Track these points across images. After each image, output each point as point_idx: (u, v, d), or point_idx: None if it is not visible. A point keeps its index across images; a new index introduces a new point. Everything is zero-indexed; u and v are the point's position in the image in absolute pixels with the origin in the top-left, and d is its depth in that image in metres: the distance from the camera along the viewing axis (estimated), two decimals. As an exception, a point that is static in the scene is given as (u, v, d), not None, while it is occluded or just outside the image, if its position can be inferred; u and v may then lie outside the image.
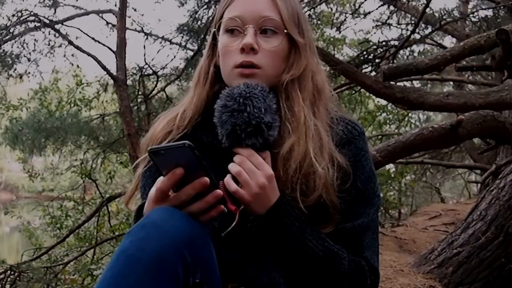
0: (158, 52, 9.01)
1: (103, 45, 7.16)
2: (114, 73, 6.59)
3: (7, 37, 6.70)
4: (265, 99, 1.00)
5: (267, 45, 1.05)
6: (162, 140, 1.09)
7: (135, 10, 8.56)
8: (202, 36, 6.53)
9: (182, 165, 0.91)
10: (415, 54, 7.99)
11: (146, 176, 1.13)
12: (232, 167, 0.98)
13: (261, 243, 1.01)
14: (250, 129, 0.98)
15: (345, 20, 8.20)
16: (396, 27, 7.81)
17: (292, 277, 1.03)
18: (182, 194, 0.93)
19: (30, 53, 7.10)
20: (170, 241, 0.85)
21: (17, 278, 5.92)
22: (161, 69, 7.42)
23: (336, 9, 8.48)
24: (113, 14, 7.27)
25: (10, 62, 7.02)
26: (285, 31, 1.06)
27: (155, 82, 7.36)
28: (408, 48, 7.49)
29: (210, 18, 6.49)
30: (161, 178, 0.93)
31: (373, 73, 5.86)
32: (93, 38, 7.28)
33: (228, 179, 0.98)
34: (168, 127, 1.10)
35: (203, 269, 0.89)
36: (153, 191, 0.95)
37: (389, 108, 7.98)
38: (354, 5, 8.21)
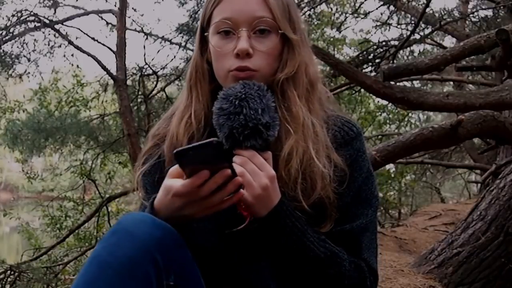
0: (158, 52, 9.02)
1: (103, 45, 7.17)
2: (114, 73, 6.59)
3: (7, 37, 6.70)
4: (262, 98, 0.97)
5: (261, 46, 1.02)
6: (187, 143, 1.06)
7: (135, 10, 8.59)
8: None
9: (207, 161, 0.90)
10: (415, 54, 7.98)
11: (147, 176, 1.12)
12: (235, 168, 0.96)
13: (262, 245, 1.00)
14: (247, 132, 0.96)
15: (345, 20, 8.20)
16: (396, 27, 7.81)
17: (291, 281, 1.02)
18: (205, 190, 0.91)
19: (30, 53, 7.10)
20: (140, 245, 0.86)
21: (17, 278, 5.92)
22: (161, 69, 7.42)
23: (336, 9, 8.48)
24: (113, 14, 7.27)
25: (10, 62, 7.02)
26: (280, 31, 1.03)
27: (155, 82, 7.36)
28: (408, 48, 7.49)
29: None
30: (184, 181, 0.92)
31: (373, 73, 5.86)
32: (93, 38, 7.28)
33: None
34: (189, 129, 1.07)
35: (178, 271, 0.90)
36: (172, 184, 0.93)
37: (389, 108, 7.98)
38: (354, 5, 8.21)
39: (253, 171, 0.95)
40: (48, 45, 7.18)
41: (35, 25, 6.81)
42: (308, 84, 1.07)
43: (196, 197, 0.92)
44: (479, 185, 7.38)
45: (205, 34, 1.08)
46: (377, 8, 7.36)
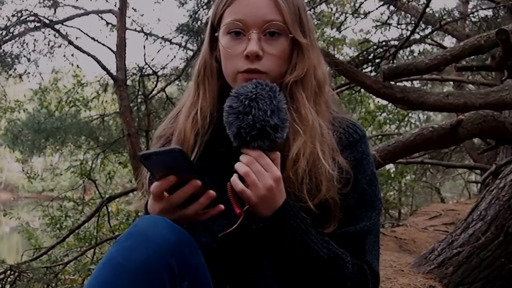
0: (158, 52, 9.04)
1: (103, 45, 7.16)
2: (114, 73, 6.58)
3: (7, 37, 6.69)
4: (273, 100, 0.97)
5: (271, 49, 1.03)
6: (194, 142, 1.07)
7: (135, 10, 8.59)
8: (202, 36, 6.53)
9: (173, 169, 0.91)
10: (415, 54, 7.99)
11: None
12: (240, 167, 0.96)
13: (265, 245, 1.00)
14: (255, 132, 0.95)
15: (345, 20, 8.20)
16: (396, 27, 7.81)
17: (294, 282, 1.02)
18: (175, 198, 0.95)
19: (30, 53, 7.09)
20: (156, 250, 0.86)
21: (17, 278, 5.91)
22: (161, 69, 7.41)
23: (336, 9, 8.48)
24: (113, 14, 7.27)
25: (10, 62, 7.01)
26: (290, 35, 1.03)
27: (155, 82, 7.36)
28: (408, 48, 7.49)
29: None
30: (154, 183, 0.95)
31: (373, 73, 5.86)
32: (93, 38, 7.28)
33: (235, 179, 0.97)
34: (195, 126, 1.07)
35: (191, 277, 0.90)
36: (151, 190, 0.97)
37: (389, 108, 7.98)
38: (354, 5, 8.20)
39: (259, 171, 0.95)
40: (48, 45, 7.18)
41: (35, 25, 6.80)
42: (316, 86, 1.07)
43: (169, 206, 0.95)
44: (479, 185, 7.38)
45: (216, 34, 1.08)
46: (377, 8, 7.36)
